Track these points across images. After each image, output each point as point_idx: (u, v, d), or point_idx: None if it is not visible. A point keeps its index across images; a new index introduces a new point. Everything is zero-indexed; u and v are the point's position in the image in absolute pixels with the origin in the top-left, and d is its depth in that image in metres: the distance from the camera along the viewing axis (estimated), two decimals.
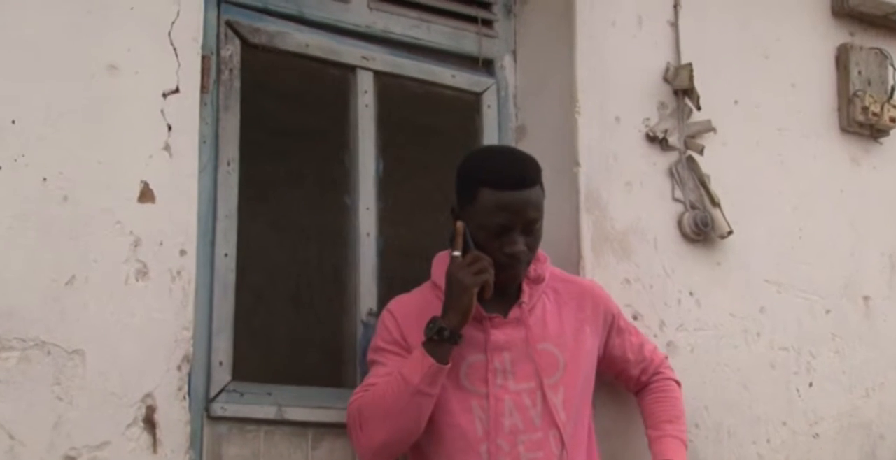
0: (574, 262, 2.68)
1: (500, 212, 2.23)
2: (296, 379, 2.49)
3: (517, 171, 2.28)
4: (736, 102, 3.10)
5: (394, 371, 2.21)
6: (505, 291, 2.33)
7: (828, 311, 3.09)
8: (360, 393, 2.23)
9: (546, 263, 2.40)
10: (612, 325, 2.45)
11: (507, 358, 2.28)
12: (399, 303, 2.35)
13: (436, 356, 2.17)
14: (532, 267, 2.36)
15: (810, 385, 3.01)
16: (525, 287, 2.34)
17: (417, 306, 2.30)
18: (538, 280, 2.37)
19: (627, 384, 2.55)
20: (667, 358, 2.58)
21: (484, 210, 2.25)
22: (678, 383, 2.56)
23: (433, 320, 2.20)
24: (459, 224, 2.27)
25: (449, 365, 2.19)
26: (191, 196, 2.25)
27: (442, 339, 2.17)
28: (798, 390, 2.99)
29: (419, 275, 2.43)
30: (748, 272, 3.00)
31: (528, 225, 2.26)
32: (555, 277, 2.42)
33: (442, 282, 2.25)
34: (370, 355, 2.32)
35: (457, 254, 2.23)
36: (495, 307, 2.31)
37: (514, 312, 2.32)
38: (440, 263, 2.33)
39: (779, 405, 2.94)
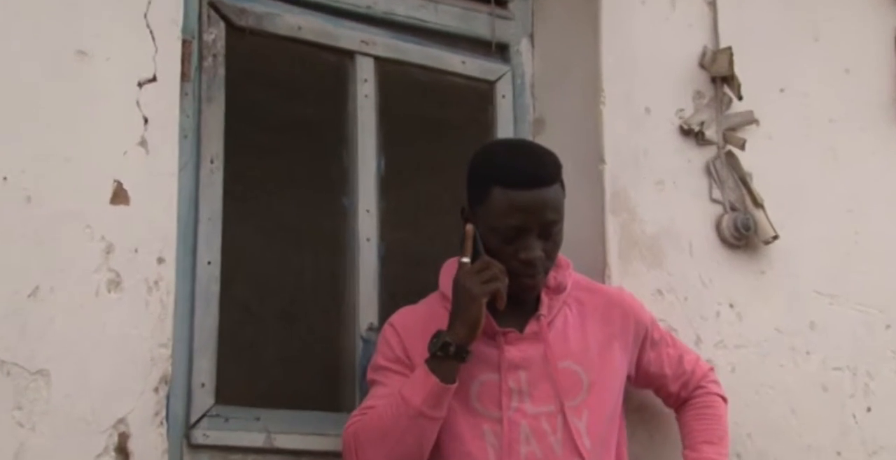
0: (598, 271, 2.68)
1: (514, 213, 2.22)
2: (287, 403, 2.49)
3: (533, 168, 2.27)
4: (782, 91, 3.10)
5: (394, 391, 2.20)
6: (521, 302, 2.31)
7: (888, 326, 3.08)
8: (357, 416, 2.23)
9: (568, 270, 2.39)
10: (646, 338, 2.43)
11: (523, 378, 2.27)
12: (403, 317, 2.35)
13: (440, 374, 2.16)
14: (552, 274, 2.35)
15: (868, 409, 3.00)
16: (544, 297, 2.33)
17: (423, 320, 2.29)
18: (559, 289, 2.35)
19: (667, 401, 2.55)
20: (712, 370, 2.57)
21: (496, 211, 2.24)
22: (724, 399, 2.54)
23: (438, 334, 2.19)
24: (469, 227, 2.26)
25: (455, 384, 2.18)
26: (170, 197, 2.25)
27: (447, 356, 2.16)
28: (854, 415, 2.98)
29: (426, 285, 2.43)
30: (796, 282, 3.00)
31: (545, 228, 2.25)
32: (578, 286, 2.41)
33: (451, 292, 2.24)
34: (370, 374, 2.31)
35: (465, 260, 2.23)
36: (510, 320, 2.30)
37: (531, 326, 2.31)
38: (449, 271, 2.32)
39: (832, 432, 2.93)
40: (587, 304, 2.38)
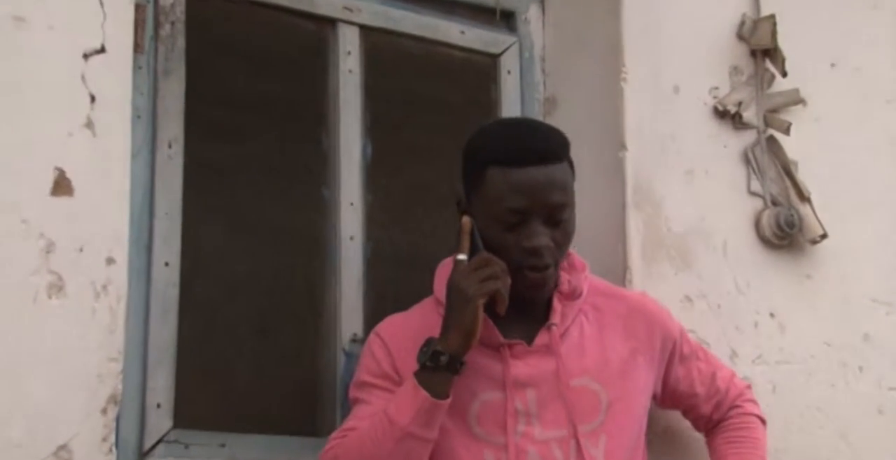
0: (618, 274, 2.68)
1: (514, 194, 2.22)
2: (257, 426, 2.48)
3: (534, 142, 2.26)
4: (832, 66, 3.11)
5: (379, 411, 2.19)
6: (530, 309, 2.31)
7: None
8: (336, 440, 2.22)
9: (584, 273, 2.39)
10: (674, 352, 2.43)
11: (531, 398, 2.26)
12: (391, 326, 2.34)
13: (431, 389, 2.15)
14: (565, 278, 2.34)
15: None
16: (556, 304, 2.32)
17: (415, 329, 2.28)
18: (573, 295, 2.34)
19: (696, 424, 2.55)
20: (749, 388, 2.57)
21: (493, 194, 2.23)
22: (762, 420, 2.54)
23: (428, 342, 2.18)
24: (465, 220, 2.26)
25: (448, 400, 2.17)
26: (121, 187, 2.25)
27: (438, 367, 2.15)
28: None
29: (418, 290, 2.42)
30: (848, 288, 3.01)
31: (552, 212, 2.24)
32: (596, 291, 2.40)
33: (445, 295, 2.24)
34: (352, 392, 2.31)
35: (462, 257, 2.22)
36: (518, 330, 2.29)
37: (541, 337, 2.30)
38: (444, 273, 2.30)
39: None
40: (606, 312, 2.38)
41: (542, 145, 2.26)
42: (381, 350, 2.29)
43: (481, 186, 2.25)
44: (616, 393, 2.31)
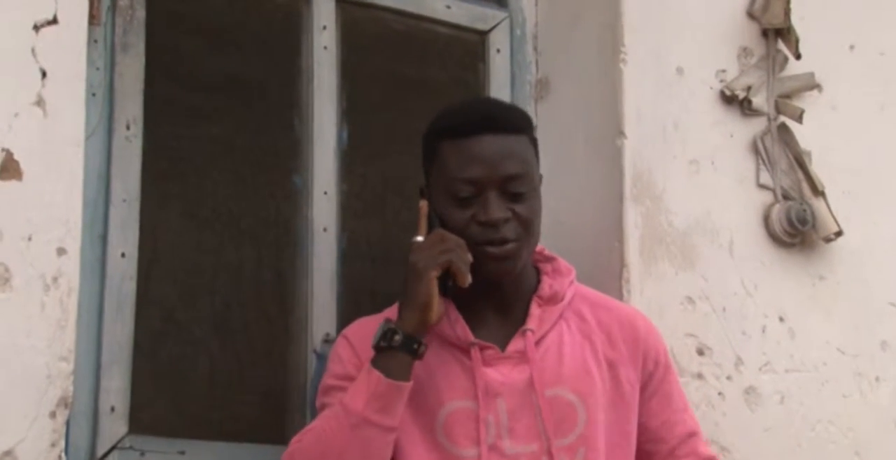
0: (615, 273, 2.71)
1: (465, 165, 2.26)
2: (220, 433, 2.50)
3: (486, 111, 2.32)
4: (851, 48, 3.14)
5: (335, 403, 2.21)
6: (506, 312, 2.33)
7: None
8: (294, 443, 2.23)
9: (569, 277, 2.40)
10: (654, 375, 2.40)
11: (502, 408, 2.27)
12: (359, 327, 2.36)
13: (385, 369, 2.16)
14: (547, 281, 2.37)
15: None
16: (534, 308, 2.34)
17: None
18: (554, 299, 2.36)
19: None
20: None
21: (446, 168, 2.28)
22: None
23: (383, 323, 2.21)
24: (422, 202, 2.32)
25: (409, 384, 2.18)
26: (73, 172, 2.26)
27: (391, 346, 2.17)
28: None
29: (396, 286, 2.38)
30: (865, 290, 3.04)
31: (507, 183, 2.27)
32: (583, 299, 2.42)
33: None
34: (319, 398, 2.32)
35: (419, 239, 2.27)
36: (491, 334, 2.31)
37: (514, 343, 2.31)
38: None
39: None
40: (590, 320, 2.39)
41: (494, 114, 2.31)
42: (346, 351, 2.31)
43: (435, 163, 2.31)
44: (596, 406, 2.30)
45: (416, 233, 2.28)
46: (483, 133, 2.27)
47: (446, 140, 2.29)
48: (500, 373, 2.28)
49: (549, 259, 2.42)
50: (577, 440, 2.27)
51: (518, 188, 2.27)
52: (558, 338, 2.34)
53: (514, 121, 2.32)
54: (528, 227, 2.30)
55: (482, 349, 2.29)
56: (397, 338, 2.17)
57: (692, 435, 2.42)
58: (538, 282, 2.38)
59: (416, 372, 2.21)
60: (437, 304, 2.20)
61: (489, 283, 2.27)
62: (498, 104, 2.45)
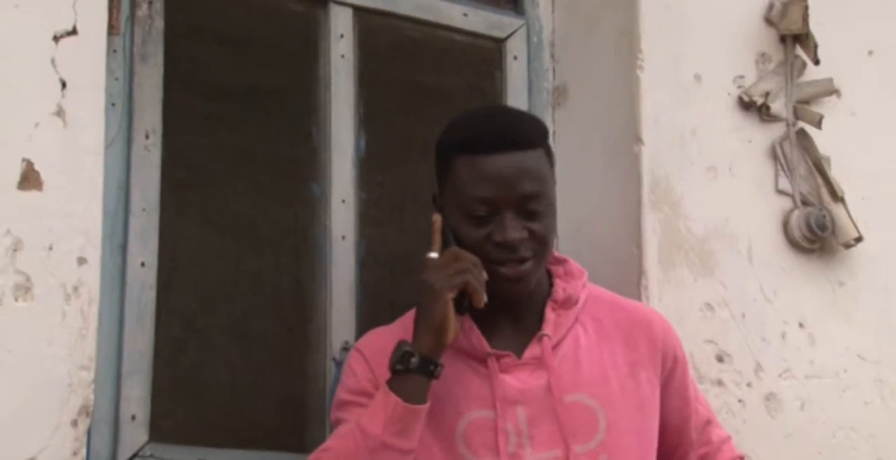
0: (633, 280, 2.72)
1: (481, 184, 2.23)
2: (239, 441, 2.51)
3: (502, 127, 2.28)
4: (870, 53, 3.14)
5: (353, 424, 2.20)
6: (520, 319, 2.33)
7: None
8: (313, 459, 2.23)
9: (581, 280, 2.40)
10: (674, 372, 2.40)
11: (521, 416, 2.26)
12: (372, 340, 2.35)
13: (402, 393, 2.15)
14: (560, 285, 2.36)
15: None
16: (549, 313, 2.33)
17: (397, 341, 2.25)
18: (568, 303, 2.35)
19: None
20: (742, 459, 2.52)
21: (461, 185, 2.25)
22: None
23: (399, 344, 2.19)
24: (436, 216, 2.29)
25: (426, 406, 2.17)
26: (93, 181, 2.27)
27: (408, 369, 2.16)
28: None
29: (414, 294, 2.39)
30: (885, 296, 3.04)
31: (523, 202, 2.25)
32: (597, 300, 2.41)
33: None
34: (333, 412, 2.31)
35: (433, 255, 2.24)
36: (508, 342, 2.31)
37: (531, 349, 2.30)
38: None
39: None
40: (606, 323, 2.38)
41: (510, 130, 2.27)
42: (360, 365, 2.30)
43: (448, 178, 2.28)
44: (617, 411, 2.30)
45: (430, 249, 2.25)
46: (500, 150, 2.24)
47: (461, 155, 2.26)
48: (518, 380, 2.28)
49: (561, 261, 2.41)
50: (599, 446, 2.27)
51: (535, 207, 2.25)
52: (575, 343, 2.34)
53: (530, 136, 2.29)
54: (544, 244, 2.29)
55: (499, 358, 2.28)
56: (414, 360, 2.16)
57: (707, 423, 2.44)
58: (551, 285, 2.37)
59: (433, 385, 2.20)
60: (454, 324, 2.19)
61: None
62: (514, 116, 2.39)
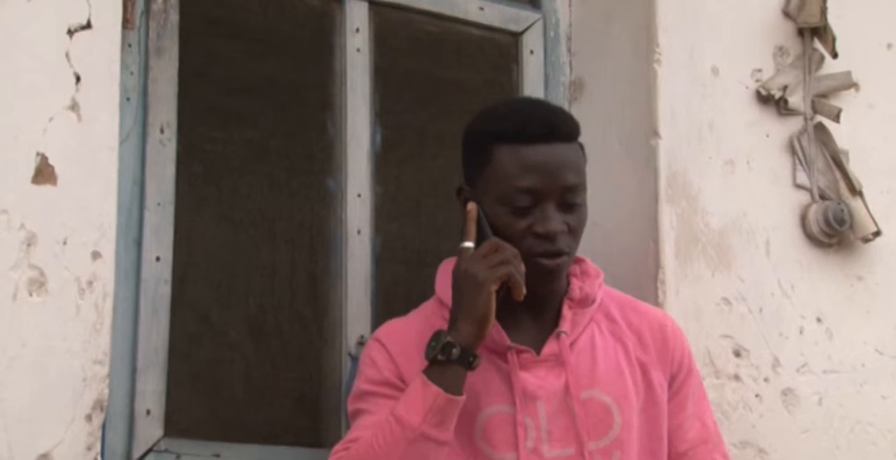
0: (650, 274, 2.70)
1: (527, 173, 2.23)
2: (254, 436, 2.51)
3: (545, 117, 2.29)
4: (889, 47, 3.13)
5: (385, 416, 2.18)
6: (538, 316, 2.32)
7: None
8: (338, 452, 2.21)
9: (598, 280, 2.40)
10: (675, 379, 2.39)
11: (541, 412, 2.26)
12: (390, 330, 2.34)
13: (443, 383, 2.14)
14: (577, 284, 2.36)
15: None
16: (566, 311, 2.33)
17: (417, 333, 2.28)
18: (585, 302, 2.35)
19: None
20: None
21: (503, 174, 2.24)
22: None
23: (437, 335, 2.18)
24: (471, 205, 2.28)
25: (463, 397, 2.17)
26: (108, 175, 2.27)
27: (449, 360, 2.15)
28: None
29: (430, 288, 2.42)
30: None
31: (566, 195, 2.25)
32: (612, 301, 2.41)
33: (449, 295, 2.24)
34: (352, 404, 2.30)
35: (468, 244, 2.23)
36: (525, 337, 2.30)
37: (549, 346, 2.30)
38: (447, 271, 2.31)
39: None
40: (620, 323, 2.39)
41: (555, 121, 2.28)
42: (381, 355, 2.29)
43: (487, 167, 2.27)
44: (630, 408, 2.30)
45: (464, 238, 2.23)
46: (544, 141, 2.24)
47: (503, 144, 2.25)
48: (537, 377, 2.27)
49: (578, 261, 2.40)
50: (613, 443, 2.27)
51: (575, 199, 2.26)
52: (591, 341, 2.34)
53: (570, 129, 2.30)
54: (578, 239, 2.30)
55: (518, 353, 2.28)
56: (455, 351, 2.14)
57: (703, 442, 2.39)
58: (568, 284, 2.36)
59: None
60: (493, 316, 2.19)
61: (526, 287, 2.24)
62: (554, 110, 2.39)
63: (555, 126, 2.27)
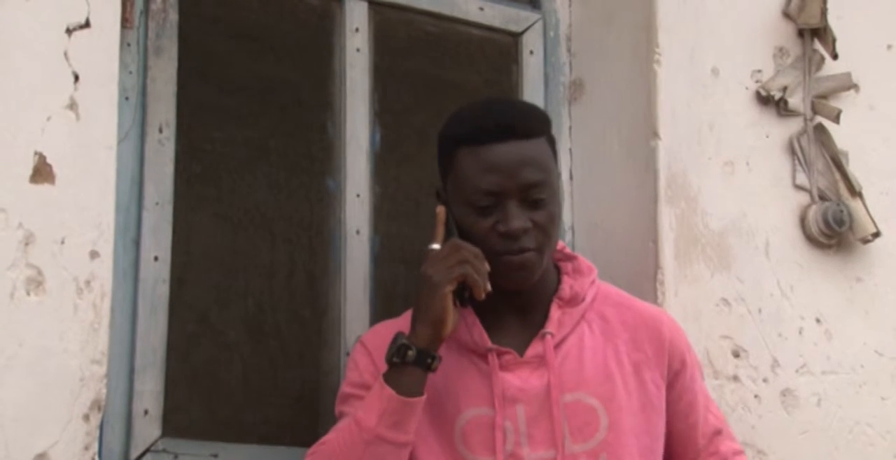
0: (650, 274, 2.70)
1: (484, 174, 2.24)
2: (253, 436, 2.51)
3: (502, 117, 2.28)
4: (889, 48, 3.13)
5: (348, 418, 2.20)
6: (524, 315, 2.32)
7: None
8: (310, 454, 2.23)
9: (590, 277, 2.38)
10: (679, 377, 2.38)
11: (521, 415, 2.25)
12: (375, 334, 2.35)
13: (397, 386, 2.15)
14: (568, 282, 2.35)
15: None
16: (553, 311, 2.32)
17: None
18: (575, 300, 2.34)
19: None
20: None
21: (464, 176, 2.26)
22: None
23: (395, 337, 2.19)
24: (440, 208, 2.29)
25: (422, 398, 2.16)
26: (106, 175, 2.26)
27: (404, 361, 2.16)
28: None
29: None
30: None
31: (527, 191, 2.24)
32: (606, 299, 2.39)
33: None
34: (337, 406, 2.31)
35: (435, 246, 2.25)
36: (510, 338, 2.30)
37: (533, 347, 2.29)
38: None
39: None
40: (613, 322, 2.37)
41: (509, 119, 2.27)
42: (363, 358, 2.30)
43: (452, 171, 2.28)
44: (619, 410, 2.28)
45: (433, 240, 2.25)
46: (500, 140, 2.24)
47: (462, 147, 2.26)
48: (519, 379, 2.27)
49: (570, 258, 2.40)
50: (599, 445, 2.25)
51: (538, 195, 2.25)
52: (579, 341, 2.32)
53: (531, 125, 2.29)
54: (548, 234, 2.28)
55: (500, 354, 2.27)
56: (410, 353, 2.15)
57: (717, 433, 2.40)
58: (559, 282, 2.35)
59: (434, 380, 2.20)
60: (452, 317, 2.18)
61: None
62: (513, 106, 2.40)
63: (508, 124, 2.26)
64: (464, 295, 2.20)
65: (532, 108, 2.37)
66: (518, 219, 2.23)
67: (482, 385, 2.26)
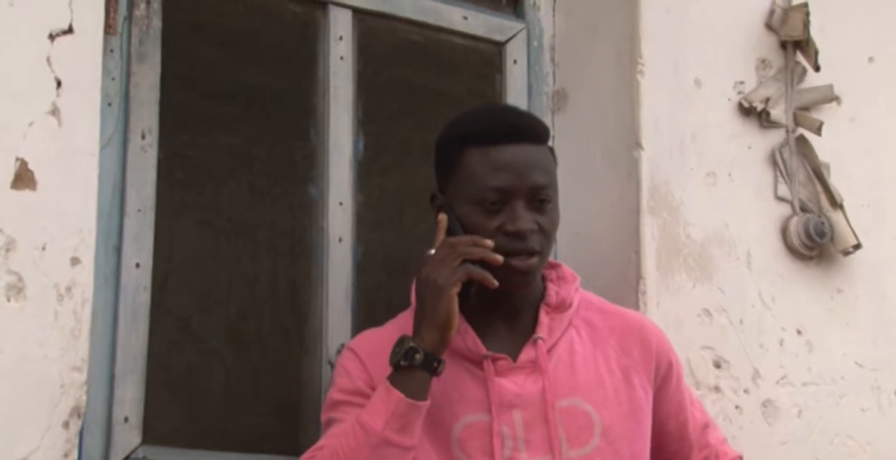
0: (631, 285, 2.70)
1: (495, 173, 2.25)
2: (234, 444, 2.49)
3: (513, 119, 2.32)
4: (871, 60, 3.13)
5: (351, 421, 2.18)
6: (514, 321, 2.32)
7: None
8: (307, 458, 2.21)
9: (574, 284, 2.39)
10: (668, 378, 2.41)
11: (518, 420, 2.25)
12: (364, 340, 2.35)
13: (405, 389, 2.14)
14: (553, 289, 2.36)
15: None
16: (543, 316, 2.33)
17: (392, 343, 2.23)
18: (562, 306, 2.35)
19: None
20: (741, 458, 2.52)
21: (473, 175, 2.26)
22: None
23: (400, 341, 2.18)
24: (441, 216, 2.29)
25: (427, 403, 2.16)
26: (88, 181, 2.26)
27: (412, 365, 2.15)
28: None
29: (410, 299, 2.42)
30: (883, 303, 3.03)
31: (535, 194, 2.26)
32: (589, 305, 2.41)
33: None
34: (324, 414, 2.30)
35: (433, 252, 2.24)
36: (501, 344, 2.30)
37: (526, 352, 2.30)
38: None
39: None
40: (599, 328, 2.38)
41: (522, 123, 2.31)
42: (354, 364, 2.29)
43: (458, 171, 2.28)
44: (612, 416, 2.30)
45: (433, 247, 2.24)
46: (511, 142, 2.26)
47: (471, 147, 2.27)
48: (515, 384, 2.27)
49: (554, 266, 2.41)
50: (595, 451, 2.26)
51: (544, 197, 2.27)
52: (569, 347, 2.33)
53: (539, 131, 2.32)
54: (550, 239, 2.30)
55: (495, 360, 2.28)
56: (418, 356, 2.15)
57: (706, 426, 2.46)
58: (544, 289, 2.36)
59: (431, 388, 2.19)
60: (457, 321, 2.19)
61: (498, 292, 2.24)
62: (521, 113, 2.44)
63: (522, 127, 2.29)
64: (468, 292, 2.20)
65: (536, 117, 2.42)
66: (526, 219, 2.25)
67: (478, 391, 2.26)
